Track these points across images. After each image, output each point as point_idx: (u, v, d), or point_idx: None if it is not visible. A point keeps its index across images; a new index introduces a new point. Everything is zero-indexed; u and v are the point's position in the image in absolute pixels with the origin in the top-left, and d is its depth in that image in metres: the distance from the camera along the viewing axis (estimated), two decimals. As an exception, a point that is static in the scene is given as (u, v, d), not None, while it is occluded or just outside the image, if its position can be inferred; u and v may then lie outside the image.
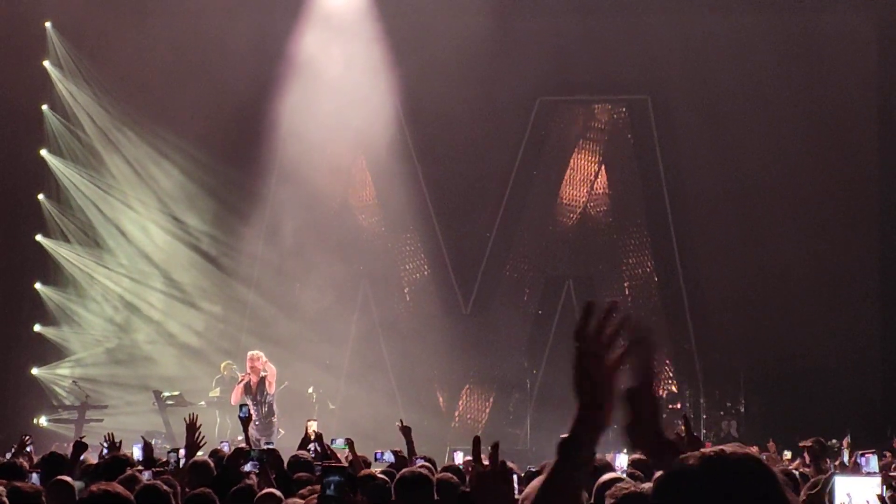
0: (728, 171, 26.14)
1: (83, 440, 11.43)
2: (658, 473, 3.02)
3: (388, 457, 12.13)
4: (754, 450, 3.08)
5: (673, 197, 26.81)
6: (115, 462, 10.16)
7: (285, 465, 10.91)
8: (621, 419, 3.28)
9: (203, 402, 23.45)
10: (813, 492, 7.45)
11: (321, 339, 26.16)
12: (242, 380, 20.33)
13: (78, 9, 26.07)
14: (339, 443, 12.96)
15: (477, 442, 3.76)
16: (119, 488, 6.13)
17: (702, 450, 2.94)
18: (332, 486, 5.53)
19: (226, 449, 13.37)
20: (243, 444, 12.13)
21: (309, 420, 14.84)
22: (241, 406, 13.80)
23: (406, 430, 12.37)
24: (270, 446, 12.46)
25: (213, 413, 22.86)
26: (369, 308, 26.98)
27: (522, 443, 25.01)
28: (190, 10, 25.30)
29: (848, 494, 7.30)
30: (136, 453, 12.38)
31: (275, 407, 20.44)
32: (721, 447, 2.92)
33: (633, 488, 5.66)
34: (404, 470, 7.46)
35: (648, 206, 27.20)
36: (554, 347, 26.64)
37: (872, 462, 9.17)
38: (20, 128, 26.35)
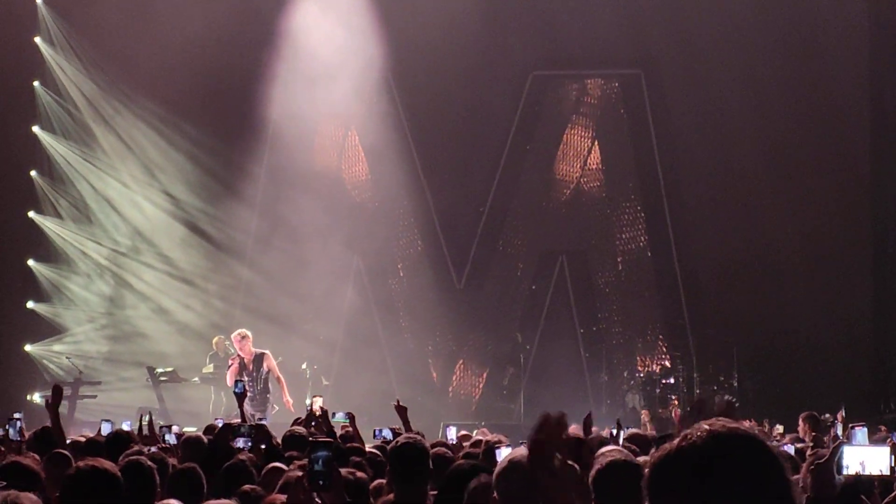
0: (721, 147, 26.13)
1: (59, 385, 11.41)
2: (653, 451, 2.98)
3: (387, 434, 12.15)
4: (746, 424, 3.06)
5: (666, 172, 26.80)
6: (116, 438, 10.17)
7: (280, 440, 10.90)
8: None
9: (196, 379, 23.44)
10: (820, 462, 7.43)
11: (315, 314, 26.17)
12: (233, 362, 20.17)
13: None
14: (340, 416, 12.99)
15: None
16: (107, 464, 6.11)
17: (697, 427, 2.90)
18: (319, 462, 5.49)
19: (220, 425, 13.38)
20: (238, 420, 12.13)
21: (315, 396, 14.83)
22: (237, 382, 13.79)
23: (402, 410, 12.33)
24: (263, 422, 12.45)
25: (208, 389, 22.87)
26: (363, 283, 26.97)
27: (516, 417, 25.02)
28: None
29: (861, 464, 7.27)
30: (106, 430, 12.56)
31: (269, 384, 20.39)
32: (716, 424, 2.87)
33: (621, 457, 5.61)
34: (401, 437, 7.39)
35: (642, 181, 27.19)
36: (547, 322, 26.68)
37: (860, 435, 9.12)
38: (12, 104, 26.26)
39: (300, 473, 6.70)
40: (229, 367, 20.11)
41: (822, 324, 24.91)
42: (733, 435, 2.81)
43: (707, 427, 2.83)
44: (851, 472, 7.22)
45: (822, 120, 25.77)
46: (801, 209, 25.48)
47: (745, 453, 2.79)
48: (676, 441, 2.84)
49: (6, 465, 7.02)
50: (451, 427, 15.20)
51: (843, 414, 15.25)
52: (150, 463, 6.85)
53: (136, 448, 8.59)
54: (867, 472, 7.23)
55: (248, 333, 20.25)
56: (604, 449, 6.05)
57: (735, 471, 2.77)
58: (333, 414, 12.94)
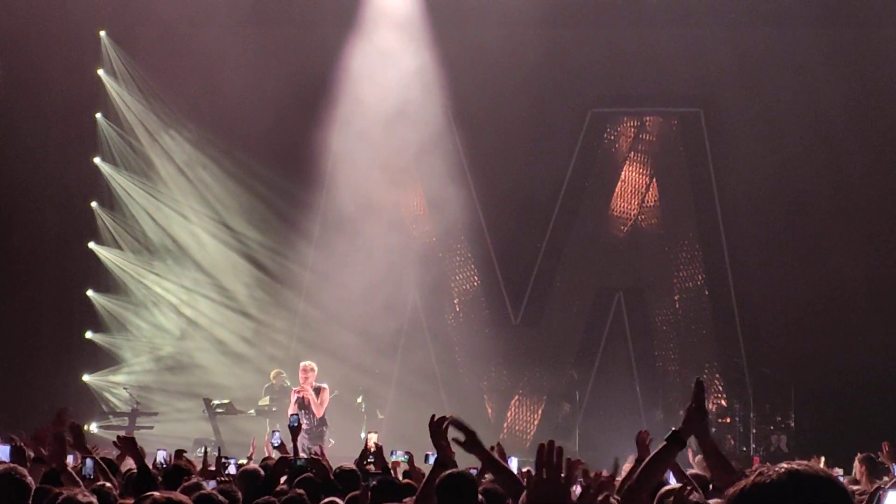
0: (781, 185, 26.00)
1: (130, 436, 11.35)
2: (731, 490, 2.98)
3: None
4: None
5: (725, 210, 26.68)
6: (175, 470, 10.18)
7: (332, 475, 10.89)
8: None
9: (252, 411, 23.51)
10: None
11: (371, 348, 26.17)
12: (298, 393, 20.39)
13: (132, 18, 26.29)
14: (400, 455, 13.04)
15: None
16: (182, 497, 6.13)
17: (777, 465, 2.90)
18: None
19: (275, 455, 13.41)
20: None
21: (370, 432, 14.86)
22: (291, 415, 13.84)
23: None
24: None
25: (263, 422, 22.92)
26: (419, 318, 26.95)
27: (571, 454, 24.86)
28: (242, 21, 25.42)
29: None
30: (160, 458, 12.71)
31: (326, 416, 20.48)
32: (795, 463, 2.87)
33: (697, 499, 5.56)
34: (450, 471, 7.38)
35: (700, 218, 27.07)
36: (603, 359, 26.57)
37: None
38: (74, 136, 26.52)
39: None
40: (297, 391, 20.35)
41: (882, 363, 24.67)
42: (812, 476, 2.80)
43: (786, 466, 2.83)
44: None
45: (887, 158, 25.60)
46: (863, 247, 25.29)
47: (822, 495, 2.78)
48: (752, 477, 2.85)
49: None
50: (512, 458, 15.14)
51: (888, 450, 15.03)
52: (221, 498, 6.86)
53: (195, 480, 8.59)
54: None
55: (315, 368, 20.50)
56: (668, 489, 6.00)
57: None
58: (393, 452, 12.98)
